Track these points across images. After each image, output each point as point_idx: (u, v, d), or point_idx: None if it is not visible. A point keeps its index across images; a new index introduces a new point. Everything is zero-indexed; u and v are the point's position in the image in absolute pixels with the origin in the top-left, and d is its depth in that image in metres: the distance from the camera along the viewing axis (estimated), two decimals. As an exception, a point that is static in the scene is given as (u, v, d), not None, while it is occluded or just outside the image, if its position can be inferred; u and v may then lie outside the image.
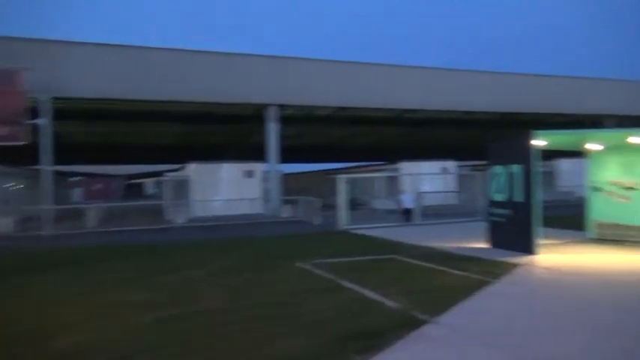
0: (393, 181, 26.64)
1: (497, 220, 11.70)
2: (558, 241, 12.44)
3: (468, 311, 6.11)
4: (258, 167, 25.35)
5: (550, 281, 8.07)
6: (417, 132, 35.33)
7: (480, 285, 7.49)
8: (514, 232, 11.05)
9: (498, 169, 11.59)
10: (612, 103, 30.70)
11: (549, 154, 30.29)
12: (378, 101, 25.39)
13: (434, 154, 33.02)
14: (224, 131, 32.13)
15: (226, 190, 24.84)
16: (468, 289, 7.13)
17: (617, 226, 12.42)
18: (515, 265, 9.22)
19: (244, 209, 23.91)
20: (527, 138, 10.54)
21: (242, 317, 6.13)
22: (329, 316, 6.07)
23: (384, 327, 5.48)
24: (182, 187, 25.56)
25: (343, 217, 17.58)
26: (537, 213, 10.44)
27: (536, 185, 10.41)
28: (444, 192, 25.48)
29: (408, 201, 17.87)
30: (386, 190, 28.31)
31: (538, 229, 10.48)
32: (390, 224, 18.23)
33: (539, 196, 10.48)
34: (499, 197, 11.58)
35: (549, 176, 32.38)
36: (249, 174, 25.19)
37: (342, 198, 17.49)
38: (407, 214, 18.02)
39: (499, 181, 11.56)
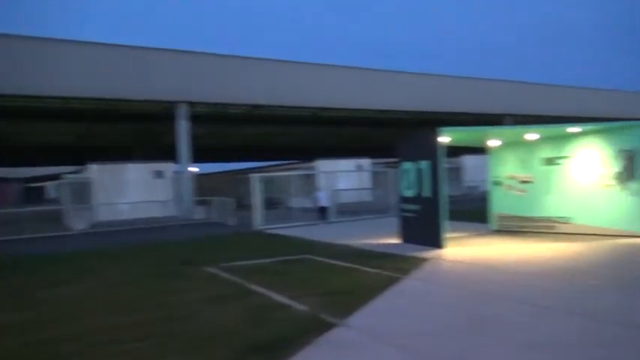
0: (309, 180, 26.56)
1: (407, 215, 11.88)
2: (464, 234, 12.95)
3: (378, 311, 5.95)
4: (168, 167, 24.04)
5: (456, 275, 8.22)
6: (333, 131, 35.66)
7: (390, 282, 7.42)
8: (423, 227, 11.27)
9: (407, 165, 11.77)
10: (511, 104, 33.04)
11: (456, 151, 32.05)
12: (293, 99, 25.16)
13: (351, 153, 33.53)
14: (132, 130, 30.19)
15: (134, 192, 23.27)
16: (379, 288, 7.01)
17: (515, 217, 13.17)
18: (424, 260, 9.34)
19: (154, 212, 22.55)
20: (434, 134, 10.77)
21: (131, 335, 5.47)
22: (230, 327, 5.61)
23: (290, 334, 5.14)
24: (83, 190, 23.54)
25: (258, 218, 17.09)
26: (445, 208, 10.70)
27: (443, 181, 10.67)
28: (359, 189, 25.84)
29: (323, 199, 17.79)
30: (303, 189, 28.22)
31: (445, 224, 10.74)
32: (306, 223, 18.04)
33: (446, 191, 10.75)
34: (409, 193, 11.76)
35: (456, 172, 34.23)
36: (159, 174, 23.82)
37: (256, 198, 16.99)
38: (323, 212, 17.94)
39: (408, 177, 11.74)
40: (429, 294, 6.80)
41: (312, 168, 27.61)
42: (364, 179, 28.08)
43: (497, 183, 13.61)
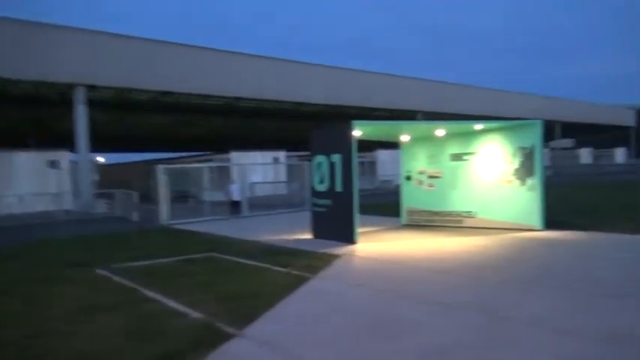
0: (223, 172, 25.56)
1: (319, 210, 11.60)
2: (377, 228, 12.97)
3: (281, 318, 5.51)
4: (64, 157, 21.87)
5: (366, 273, 8.04)
6: (248, 122, 34.73)
7: (299, 283, 7.02)
8: (336, 223, 11.04)
9: (320, 158, 11.47)
10: (424, 101, 34.22)
11: (371, 145, 32.63)
12: (206, 88, 23.95)
13: (267, 145, 32.89)
14: (23, 115, 27.12)
15: (23, 183, 20.90)
16: (286, 289, 6.59)
17: (425, 212, 13.42)
18: (335, 257, 9.08)
19: (47, 205, 20.42)
20: (347, 128, 10.55)
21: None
22: (111, 344, 4.87)
23: (181, 349, 4.55)
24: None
25: (164, 212, 15.98)
26: (357, 202, 10.54)
27: (356, 175, 10.49)
28: (274, 182, 25.35)
29: (235, 192, 17.05)
30: (216, 182, 27.12)
31: (357, 219, 10.59)
32: (218, 218, 17.21)
33: (358, 185, 10.60)
34: (321, 187, 11.48)
35: (371, 166, 34.95)
36: (54, 164, 21.61)
37: (162, 190, 15.86)
38: (235, 206, 17.21)
39: (321, 170, 11.45)
40: (337, 295, 6.49)
41: (226, 160, 26.63)
42: (280, 172, 27.60)
43: (408, 178, 13.79)
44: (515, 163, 11.84)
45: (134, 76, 21.55)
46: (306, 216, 14.37)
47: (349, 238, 10.57)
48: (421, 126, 11.81)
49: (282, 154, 29.33)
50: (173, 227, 15.28)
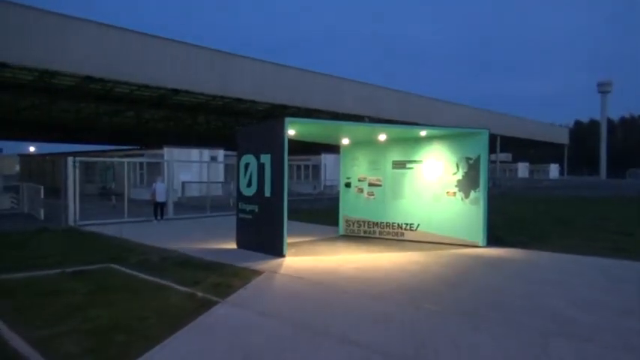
0: (155, 169, 23.61)
1: (246, 217, 10.29)
2: (312, 238, 11.83)
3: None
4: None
5: (285, 297, 6.81)
6: (185, 117, 32.60)
7: (198, 310, 5.70)
8: (263, 232, 9.78)
9: (248, 158, 10.18)
10: (371, 106, 33.39)
11: (317, 149, 31.44)
12: (138, 76, 21.89)
13: (210, 143, 30.90)
14: None
15: None
16: (177, 320, 5.25)
17: (364, 222, 12.42)
18: (255, 274, 7.81)
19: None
20: (278, 125, 9.33)
21: None
22: None
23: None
24: None
25: (72, 211, 14.02)
26: (286, 210, 9.32)
27: (286, 178, 9.28)
28: (209, 182, 23.68)
29: (160, 192, 15.31)
30: (147, 179, 25.08)
31: (286, 228, 9.37)
32: (140, 219, 15.44)
33: (288, 190, 9.38)
34: (248, 191, 10.17)
35: (317, 170, 33.91)
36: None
37: (71, 186, 13.91)
38: (159, 207, 15.47)
39: (248, 172, 10.15)
40: (238, 331, 5.21)
41: (159, 155, 24.65)
42: (217, 172, 25.91)
43: (347, 185, 12.75)
44: (459, 173, 11.08)
45: (53, 57, 19.20)
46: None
47: (277, 251, 9.34)
48: (360, 128, 10.76)
49: (220, 153, 27.62)
50: (82, 229, 13.40)
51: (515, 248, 10.59)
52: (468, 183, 10.94)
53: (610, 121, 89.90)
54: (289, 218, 16.17)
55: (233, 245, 10.57)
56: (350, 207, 12.67)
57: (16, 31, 18.09)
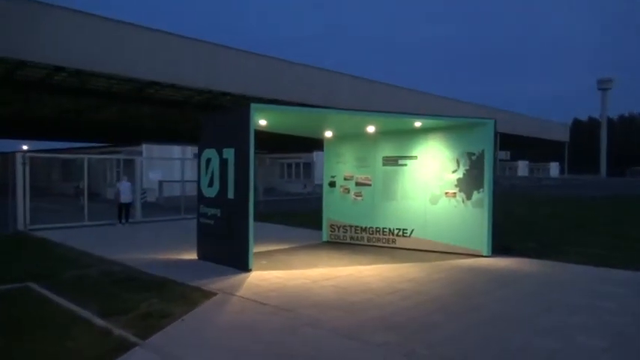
0: (130, 166, 21.95)
1: (207, 223, 8.68)
2: (290, 246, 10.26)
3: None
4: None
5: (231, 337, 5.21)
6: (163, 112, 30.53)
7: None
8: (226, 241, 8.19)
9: (209, 153, 8.57)
10: (351, 99, 31.25)
11: (310, 145, 29.60)
12: (112, 67, 20.18)
13: (187, 140, 29.11)
14: None
15: None
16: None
17: (350, 227, 10.84)
18: (206, 297, 6.23)
19: None
20: (244, 113, 7.74)
21: None
22: None
23: None
24: None
25: (22, 213, 12.37)
26: (252, 214, 7.73)
27: (252, 177, 7.69)
28: (185, 181, 22.05)
29: (125, 192, 13.66)
30: (128, 177, 23.38)
31: (252, 237, 7.77)
32: (102, 222, 13.82)
33: (253, 191, 7.77)
34: (210, 192, 8.57)
35: (308, 168, 32.31)
36: None
37: (20, 186, 12.26)
38: (124, 209, 13.82)
39: (210, 169, 8.55)
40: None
41: (137, 153, 22.99)
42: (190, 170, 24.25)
43: (331, 184, 11.16)
44: (459, 171, 9.52)
45: (20, 45, 17.49)
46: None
47: (242, 264, 7.76)
48: (343, 117, 9.08)
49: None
50: (31, 234, 11.78)
51: (526, 258, 9.06)
52: (470, 182, 9.37)
53: (610, 120, 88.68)
54: (271, 221, 14.65)
55: (195, 255, 8.98)
56: (335, 209, 11.08)
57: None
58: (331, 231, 11.11)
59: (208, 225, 8.59)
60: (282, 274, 7.59)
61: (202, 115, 8.95)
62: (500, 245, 9.51)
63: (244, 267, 7.70)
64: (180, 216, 15.76)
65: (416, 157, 10.05)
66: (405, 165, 10.15)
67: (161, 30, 22.14)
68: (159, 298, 6.15)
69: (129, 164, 22.80)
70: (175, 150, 24.77)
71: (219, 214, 8.32)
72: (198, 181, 8.88)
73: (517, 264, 8.58)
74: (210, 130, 8.74)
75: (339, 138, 10.87)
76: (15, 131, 37.96)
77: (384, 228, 10.37)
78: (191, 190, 21.11)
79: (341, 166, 10.97)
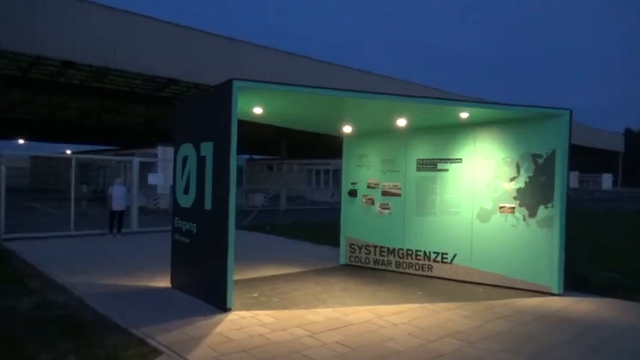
0: (144, 170, 20.39)
1: (181, 241, 6.63)
2: (297, 270, 8.12)
3: None
4: None
5: None
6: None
7: None
8: (201, 266, 6.12)
9: (186, 149, 6.54)
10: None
11: (338, 149, 27.16)
12: (127, 64, 18.65)
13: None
14: None
15: None
16: None
17: (374, 248, 8.58)
18: (145, 358, 4.15)
19: None
20: (224, 93, 5.67)
21: None
22: None
23: None
24: None
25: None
26: (233, 232, 5.61)
27: (233, 181, 5.58)
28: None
29: (118, 198, 11.85)
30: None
31: (232, 262, 5.65)
32: (93, 232, 12.11)
33: (234, 200, 5.63)
34: (185, 201, 6.53)
35: (338, 175, 30.15)
36: None
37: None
38: (117, 217, 12.01)
39: (186, 171, 6.51)
40: None
41: (152, 155, 21.45)
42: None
43: (351, 193, 8.95)
44: (520, 179, 7.14)
45: (34, 40, 16.12)
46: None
47: (218, 301, 5.65)
48: (367, 103, 6.67)
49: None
50: (2, 245, 10.12)
51: (612, 299, 6.60)
52: (535, 194, 6.98)
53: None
54: (286, 234, 12.56)
55: (168, 282, 6.95)
56: (355, 225, 8.86)
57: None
58: (351, 252, 8.88)
59: (183, 244, 6.55)
60: (273, 318, 5.43)
61: (177, 101, 6.90)
62: (572, 276, 7.08)
63: (221, 305, 5.59)
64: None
65: (460, 160, 7.72)
66: (446, 170, 7.82)
67: (181, 24, 20.54)
68: (77, 355, 4.14)
69: (146, 168, 21.28)
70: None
71: (194, 231, 6.26)
72: (174, 187, 6.86)
73: (603, 308, 6.14)
74: (186, 120, 6.71)
75: (360, 135, 8.67)
76: (37, 134, 37.51)
77: (417, 251, 8.06)
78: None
79: (363, 171, 8.75)
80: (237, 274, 7.71)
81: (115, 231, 12.01)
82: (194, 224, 6.25)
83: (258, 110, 6.64)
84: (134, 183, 13.20)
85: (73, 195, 12.29)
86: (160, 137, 25.64)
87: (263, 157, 48.44)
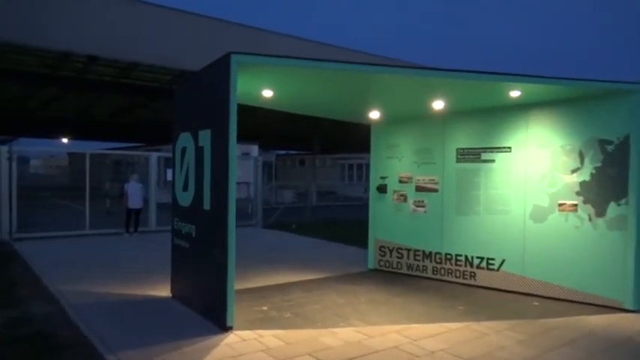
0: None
1: (181, 245, 5.77)
2: (319, 276, 7.16)
3: None
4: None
5: None
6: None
7: None
8: (200, 275, 5.23)
9: (185, 139, 5.66)
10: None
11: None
12: (153, 57, 18.11)
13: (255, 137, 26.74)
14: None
15: None
16: None
17: (407, 251, 7.50)
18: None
19: None
20: (220, 70, 4.74)
21: None
22: None
23: None
24: None
25: (7, 219, 10.26)
26: (233, 236, 4.68)
27: (233, 174, 4.64)
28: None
29: (134, 195, 11.20)
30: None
31: (233, 271, 4.72)
32: (108, 231, 11.55)
33: (235, 197, 4.69)
34: (184, 199, 5.66)
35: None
36: None
37: (6, 185, 10.15)
38: (133, 216, 11.38)
39: (185, 164, 5.64)
40: None
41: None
42: (246, 169, 21.84)
43: (380, 189, 7.87)
44: (584, 170, 5.90)
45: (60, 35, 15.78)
46: (245, 237, 8.76)
47: (217, 317, 4.75)
48: (398, 81, 5.49)
49: (254, 148, 23.54)
50: (11, 245, 9.63)
51: None
52: (604, 188, 5.73)
53: None
54: (311, 234, 11.65)
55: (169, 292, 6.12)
56: (385, 225, 7.79)
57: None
58: (380, 255, 7.83)
59: (182, 249, 5.68)
60: (280, 341, 4.48)
61: (176, 85, 6.03)
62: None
63: (221, 323, 4.68)
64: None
65: (509, 148, 6.52)
66: (492, 161, 6.65)
67: (206, 14, 19.85)
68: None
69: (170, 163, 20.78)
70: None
71: (193, 234, 5.37)
72: (173, 183, 6.00)
73: (699, 333, 4.86)
74: (184, 105, 5.82)
75: (390, 121, 7.58)
76: (75, 132, 37.88)
77: (457, 255, 6.93)
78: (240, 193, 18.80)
79: (394, 163, 7.66)
80: (249, 280, 6.84)
81: (131, 230, 11.39)
82: (193, 226, 5.37)
83: (268, 93, 5.68)
84: (152, 179, 12.56)
85: (87, 193, 11.74)
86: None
87: (297, 152, 47.77)
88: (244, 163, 21.56)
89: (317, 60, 4.85)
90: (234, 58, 4.54)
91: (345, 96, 6.17)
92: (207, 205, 5.01)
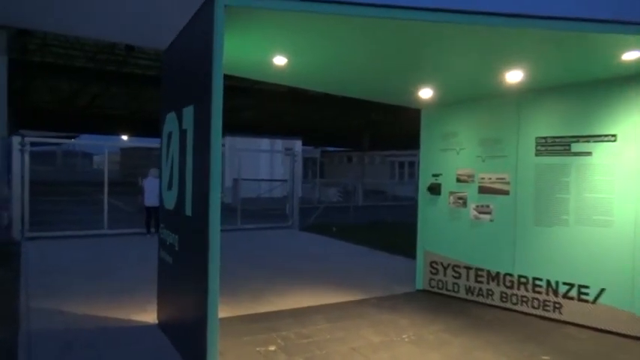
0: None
1: (165, 259, 4.46)
2: (352, 299, 5.70)
3: None
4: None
5: None
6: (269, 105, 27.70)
7: None
8: (183, 297, 3.89)
9: (170, 122, 4.33)
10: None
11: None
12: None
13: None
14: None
15: None
16: None
17: (466, 269, 5.85)
18: None
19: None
20: (203, 23, 3.36)
21: None
22: None
23: None
24: None
25: (19, 217, 9.47)
26: (217, 246, 3.27)
27: (218, 164, 3.24)
28: (270, 180, 18.46)
29: (151, 192, 10.09)
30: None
31: (216, 292, 3.32)
32: (128, 231, 10.63)
33: (218, 199, 3.29)
34: (169, 199, 4.33)
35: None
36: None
37: (17, 179, 9.37)
38: (152, 215, 10.30)
39: (170, 153, 4.32)
40: None
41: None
42: (281, 166, 20.72)
43: (432, 189, 6.25)
44: None
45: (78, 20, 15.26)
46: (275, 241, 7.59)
47: (197, 352, 3.37)
48: (462, 37, 3.86)
49: (298, 144, 22.33)
50: (11, 245, 8.81)
51: None
52: None
53: None
54: (352, 238, 10.28)
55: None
56: (438, 235, 6.17)
57: None
58: (432, 273, 6.22)
59: (167, 265, 4.37)
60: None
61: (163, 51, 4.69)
62: None
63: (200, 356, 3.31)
64: (236, 225, 11.97)
65: (614, 136, 4.74)
66: (588, 154, 4.88)
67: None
68: None
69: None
70: (264, 143, 21.57)
71: (176, 246, 4.04)
72: (160, 178, 4.71)
73: None
74: (171, 76, 4.49)
75: (446, 103, 5.94)
76: (130, 129, 38.25)
77: (535, 279, 5.21)
78: (270, 191, 17.56)
79: (451, 157, 6.02)
80: (262, 302, 5.47)
81: (152, 229, 10.37)
82: (176, 236, 4.03)
83: (280, 60, 4.24)
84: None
85: (106, 189, 10.82)
86: (240, 128, 24.52)
87: (346, 149, 46.38)
88: (285, 159, 20.49)
89: (342, 2, 3.34)
90: (217, 1, 3.14)
91: (385, 64, 4.59)
92: (188, 210, 3.66)
